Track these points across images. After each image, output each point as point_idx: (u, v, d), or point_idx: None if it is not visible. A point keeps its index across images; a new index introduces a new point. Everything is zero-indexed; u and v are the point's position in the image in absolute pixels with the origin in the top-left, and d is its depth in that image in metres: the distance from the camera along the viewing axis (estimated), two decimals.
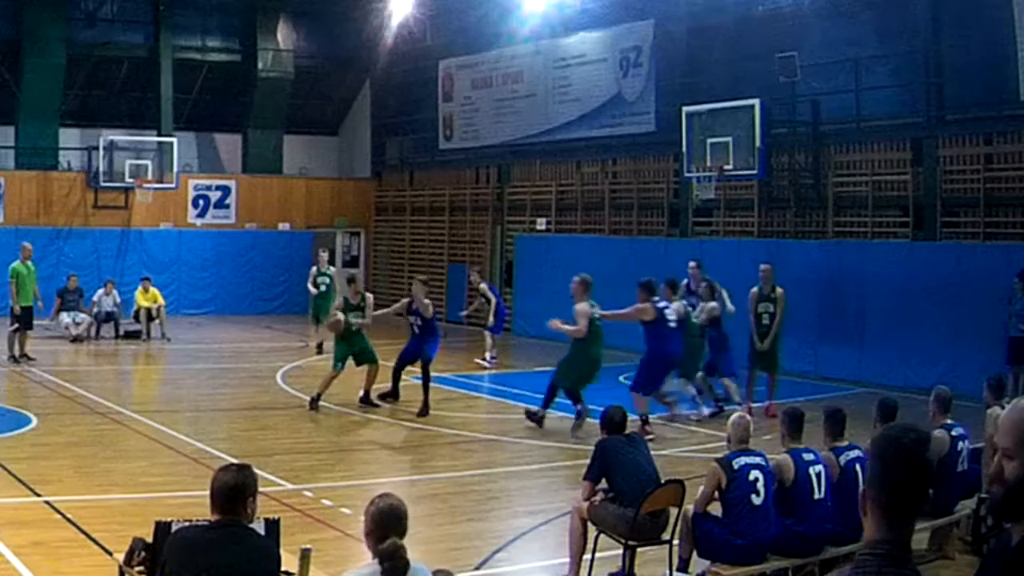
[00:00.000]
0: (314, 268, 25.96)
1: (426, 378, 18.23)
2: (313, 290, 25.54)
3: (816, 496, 8.88)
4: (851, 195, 23.18)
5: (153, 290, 28.25)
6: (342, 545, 10.14)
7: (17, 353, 22.64)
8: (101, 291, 27.81)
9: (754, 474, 8.81)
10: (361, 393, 18.50)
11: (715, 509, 9.01)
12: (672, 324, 16.66)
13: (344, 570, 6.56)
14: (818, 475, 8.94)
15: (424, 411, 17.87)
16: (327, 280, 25.23)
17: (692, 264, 20.24)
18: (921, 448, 3.29)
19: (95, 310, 27.35)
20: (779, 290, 18.50)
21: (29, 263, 23.31)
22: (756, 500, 8.78)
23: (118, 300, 27.90)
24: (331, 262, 27.24)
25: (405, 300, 19.11)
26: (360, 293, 19.05)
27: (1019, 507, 3.39)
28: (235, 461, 7.73)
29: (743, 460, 8.87)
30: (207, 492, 5.90)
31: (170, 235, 33.97)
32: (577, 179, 29.84)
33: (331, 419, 17.77)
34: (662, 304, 16.73)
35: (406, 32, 33.13)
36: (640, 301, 16.53)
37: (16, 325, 22.78)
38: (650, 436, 15.06)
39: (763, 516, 8.81)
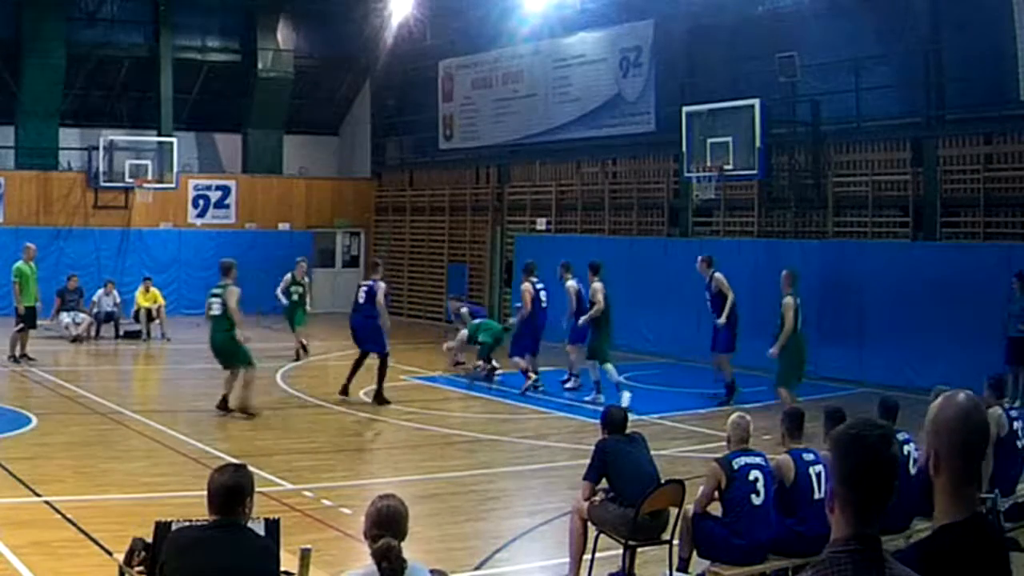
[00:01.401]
0: (289, 275, 24.75)
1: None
2: (283, 300, 24.55)
3: (816, 496, 8.86)
4: (851, 195, 23.17)
5: (154, 290, 28.28)
6: (342, 545, 10.14)
7: (18, 353, 22.65)
8: (101, 291, 27.83)
9: (754, 474, 8.81)
10: (223, 400, 17.68)
11: (715, 509, 9.01)
12: (543, 304, 20.96)
13: (344, 570, 6.57)
14: (818, 475, 8.94)
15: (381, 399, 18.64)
16: (300, 290, 24.49)
17: (699, 260, 20.07)
18: (886, 443, 3.28)
19: (95, 310, 27.36)
20: (786, 300, 17.30)
21: (32, 263, 23.34)
22: (756, 500, 8.78)
23: (118, 300, 27.93)
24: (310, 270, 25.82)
25: (383, 286, 19.72)
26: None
27: (926, 496, 3.39)
28: (234, 461, 7.73)
29: (743, 460, 8.87)
30: (205, 492, 5.91)
31: (170, 235, 33.97)
32: (577, 179, 29.83)
33: (331, 419, 17.78)
34: (540, 285, 20.89)
35: (406, 32, 33.11)
36: (523, 280, 21.06)
37: (21, 325, 22.83)
38: (534, 380, 20.07)
39: (763, 516, 8.80)
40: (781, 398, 16.72)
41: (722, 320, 19.42)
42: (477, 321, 23.03)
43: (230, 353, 17.57)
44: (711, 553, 8.96)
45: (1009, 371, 18.16)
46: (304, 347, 24.50)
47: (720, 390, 19.41)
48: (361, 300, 19.29)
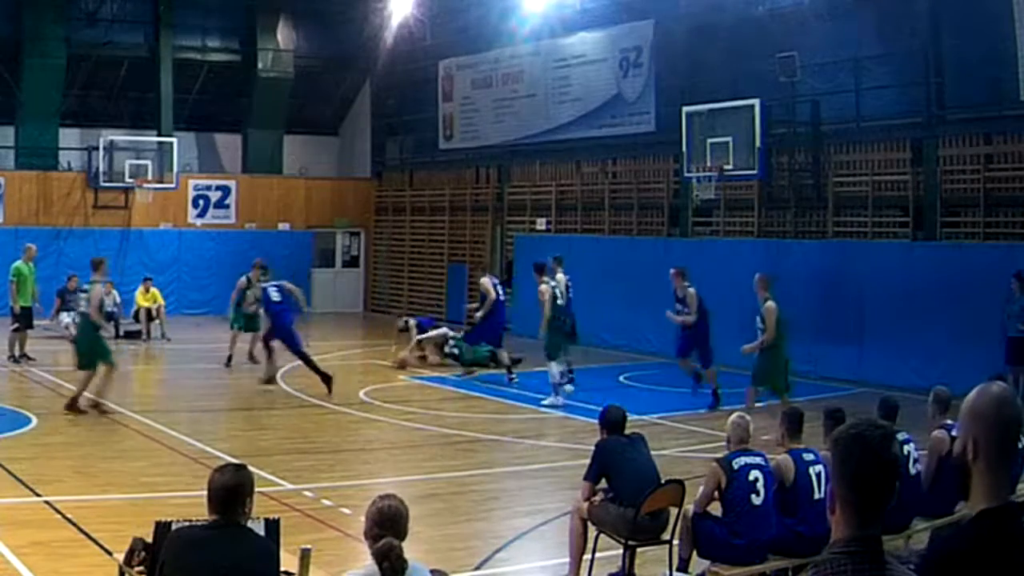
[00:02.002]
0: (244, 279, 23.46)
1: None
2: (231, 311, 23.74)
3: (816, 496, 8.86)
4: (851, 195, 23.17)
5: (154, 290, 28.30)
6: (342, 545, 10.14)
7: (17, 353, 22.64)
8: (101, 291, 27.78)
9: (754, 474, 8.81)
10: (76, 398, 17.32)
11: (715, 509, 9.01)
12: (503, 298, 22.64)
13: (344, 570, 6.57)
14: (818, 475, 8.94)
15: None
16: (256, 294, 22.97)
17: (672, 271, 19.89)
18: (887, 444, 3.27)
19: None
20: (768, 304, 16.82)
21: (31, 263, 23.40)
22: (756, 500, 8.78)
23: (118, 300, 27.92)
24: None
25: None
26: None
27: (963, 483, 3.38)
28: (234, 461, 7.72)
29: (743, 460, 8.87)
30: (205, 492, 5.91)
31: (170, 235, 33.97)
32: (577, 179, 29.83)
33: (331, 419, 17.79)
34: (494, 281, 22.62)
35: (406, 32, 33.11)
36: (482, 276, 22.90)
37: (17, 325, 22.83)
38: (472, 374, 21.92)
39: (763, 516, 8.80)
40: (748, 396, 16.62)
41: (681, 319, 19.52)
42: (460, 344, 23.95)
43: (88, 353, 17.45)
44: (711, 553, 8.96)
45: (1009, 371, 18.26)
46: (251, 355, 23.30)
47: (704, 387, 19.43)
48: (278, 298, 20.51)
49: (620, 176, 28.85)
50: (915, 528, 9.61)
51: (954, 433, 10.15)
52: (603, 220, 28.70)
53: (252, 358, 23.11)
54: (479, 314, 22.38)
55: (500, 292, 22.29)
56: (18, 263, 23.26)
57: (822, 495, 8.88)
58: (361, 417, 17.90)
